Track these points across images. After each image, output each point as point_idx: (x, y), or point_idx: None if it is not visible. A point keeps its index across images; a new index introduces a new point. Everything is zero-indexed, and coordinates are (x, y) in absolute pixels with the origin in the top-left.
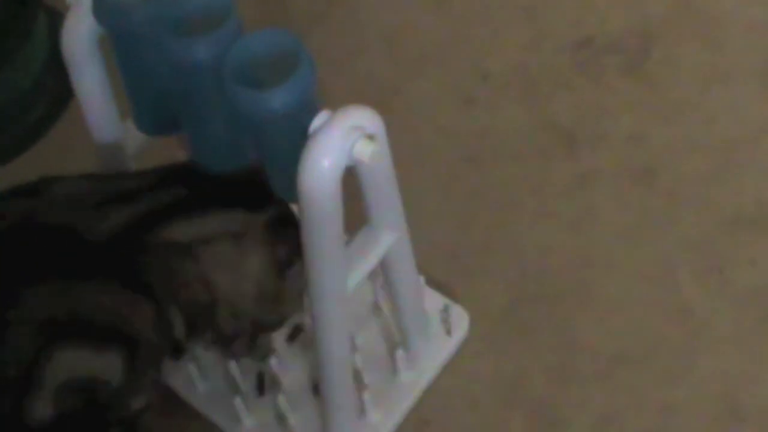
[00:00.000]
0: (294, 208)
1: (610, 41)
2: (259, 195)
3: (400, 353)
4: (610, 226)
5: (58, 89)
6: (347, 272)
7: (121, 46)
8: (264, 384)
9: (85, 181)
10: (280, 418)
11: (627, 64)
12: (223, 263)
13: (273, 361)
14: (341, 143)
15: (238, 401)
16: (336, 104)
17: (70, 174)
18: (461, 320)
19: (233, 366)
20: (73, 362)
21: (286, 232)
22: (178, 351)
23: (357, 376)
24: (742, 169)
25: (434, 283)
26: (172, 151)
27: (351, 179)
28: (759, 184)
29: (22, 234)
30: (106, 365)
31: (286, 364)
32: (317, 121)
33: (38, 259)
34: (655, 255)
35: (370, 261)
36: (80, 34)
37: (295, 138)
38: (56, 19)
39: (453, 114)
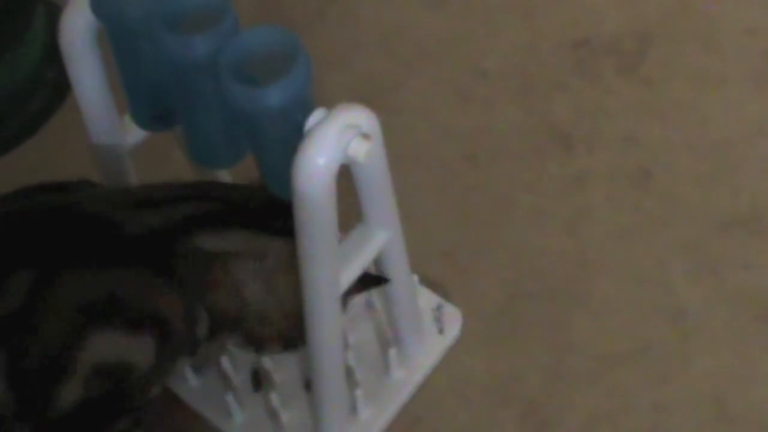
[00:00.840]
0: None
1: (607, 42)
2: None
3: (392, 351)
4: (604, 226)
5: (56, 81)
6: (340, 270)
7: (118, 41)
8: (260, 380)
9: (118, 190)
10: (272, 415)
11: (623, 64)
12: (252, 276)
13: (265, 358)
14: (336, 141)
15: (230, 397)
16: (333, 102)
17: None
18: (454, 319)
19: (225, 362)
20: (108, 344)
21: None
22: (195, 348)
23: (349, 374)
24: (737, 170)
25: (428, 282)
26: (168, 146)
27: (346, 177)
28: (754, 186)
29: (65, 219)
30: (139, 348)
31: (279, 361)
32: (313, 119)
33: (78, 244)
34: (649, 255)
35: (363, 259)
36: (78, 28)
37: (291, 135)
38: (54, 11)
39: (450, 112)
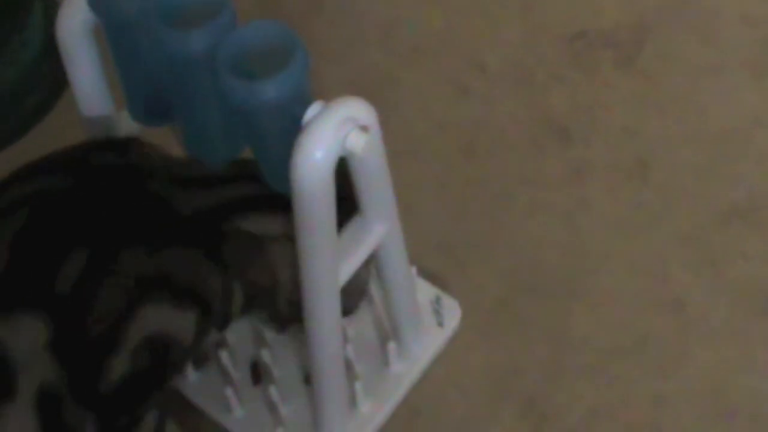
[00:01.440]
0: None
1: (604, 34)
2: None
3: (391, 344)
4: (603, 218)
5: (53, 77)
6: (339, 263)
7: (115, 36)
8: (259, 373)
9: (165, 159)
10: (272, 409)
11: (621, 57)
12: (287, 260)
13: (264, 352)
14: (334, 134)
15: (229, 391)
16: (331, 95)
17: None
18: (453, 312)
19: (225, 356)
20: (156, 318)
21: None
22: (226, 323)
23: (349, 367)
24: (736, 161)
25: (427, 275)
26: (167, 142)
27: None
28: (752, 177)
29: (121, 197)
30: (182, 324)
31: (278, 355)
32: (310, 112)
33: (133, 223)
34: (647, 248)
35: (361, 252)
36: (75, 24)
37: (289, 129)
38: (52, 7)
39: (448, 106)
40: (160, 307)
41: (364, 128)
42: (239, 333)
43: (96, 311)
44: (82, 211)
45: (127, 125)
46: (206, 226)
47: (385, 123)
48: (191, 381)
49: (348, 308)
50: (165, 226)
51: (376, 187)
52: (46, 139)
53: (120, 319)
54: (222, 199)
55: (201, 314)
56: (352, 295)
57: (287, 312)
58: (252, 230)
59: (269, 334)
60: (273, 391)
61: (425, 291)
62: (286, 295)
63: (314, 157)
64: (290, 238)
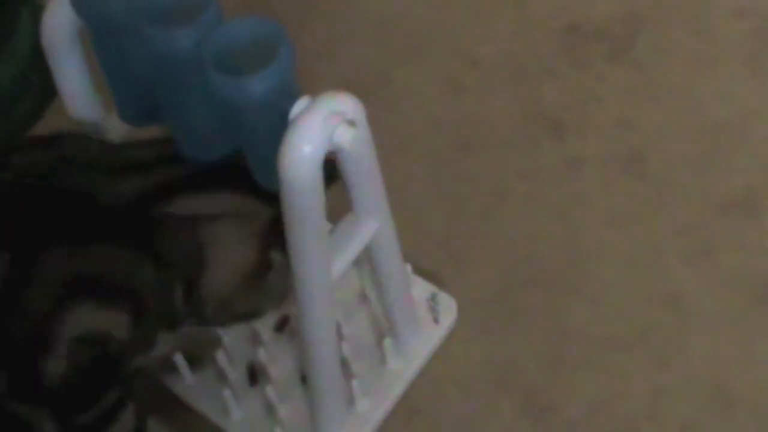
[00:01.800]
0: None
1: (597, 28)
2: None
3: (388, 342)
4: (598, 211)
5: (42, 85)
6: (330, 260)
7: (101, 37)
8: (255, 374)
9: (101, 146)
10: (269, 409)
11: (614, 50)
12: (219, 240)
13: (261, 352)
14: (322, 129)
15: (227, 393)
16: (323, 92)
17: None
18: (449, 308)
19: (221, 358)
20: (86, 317)
21: (282, 234)
22: (175, 321)
23: (345, 365)
24: (731, 153)
25: (422, 271)
26: None
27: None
28: (747, 169)
29: (43, 195)
30: (115, 321)
31: (274, 355)
32: (297, 107)
33: (56, 222)
34: (644, 240)
35: (353, 249)
36: (60, 25)
37: (276, 124)
38: (40, 14)
39: (441, 101)
40: (88, 308)
41: (351, 122)
42: (235, 333)
43: (22, 314)
44: (2, 214)
45: (116, 126)
46: (134, 216)
47: (379, 120)
48: (188, 383)
49: (255, 310)
50: (89, 222)
51: (366, 182)
52: None
53: (48, 321)
54: (151, 184)
55: (135, 309)
56: (272, 295)
57: (204, 294)
58: (185, 211)
59: (265, 334)
60: (270, 391)
61: (421, 288)
62: (210, 286)
63: (302, 151)
64: (238, 218)
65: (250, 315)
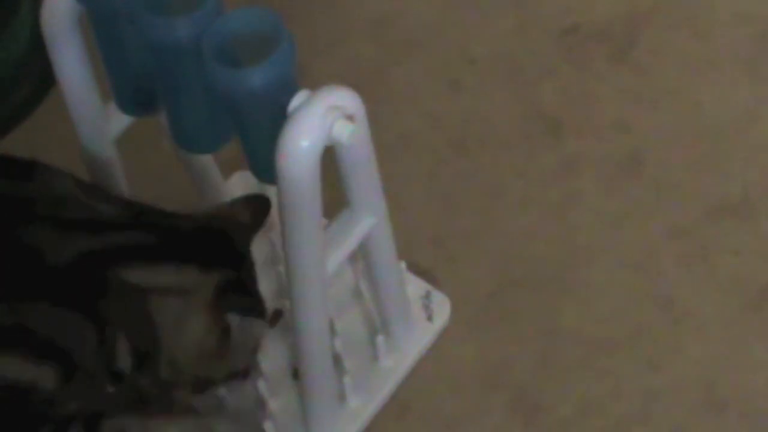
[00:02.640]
0: (273, 190)
1: (597, 28)
2: (221, 250)
3: (380, 339)
4: (595, 212)
5: (42, 71)
6: (326, 255)
7: (101, 25)
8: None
9: (74, 187)
10: (261, 403)
11: (614, 51)
12: (170, 316)
13: None
14: (320, 123)
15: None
16: (322, 86)
17: (63, 171)
18: (443, 306)
19: None
20: (9, 367)
21: (233, 298)
22: (119, 381)
23: (337, 361)
24: (728, 156)
25: (417, 269)
26: (157, 135)
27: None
28: (745, 172)
29: None
30: (40, 376)
31: (266, 349)
32: (296, 101)
33: (2, 275)
34: (639, 242)
35: (348, 244)
36: (60, 13)
37: (274, 117)
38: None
39: (438, 100)
40: (13, 359)
41: (350, 117)
42: None
43: None
44: None
45: (115, 117)
46: (82, 277)
47: (375, 116)
48: None
49: (229, 372)
50: (30, 280)
51: (363, 178)
52: (35, 132)
53: None
54: (107, 245)
55: (63, 368)
56: (241, 353)
57: (170, 377)
58: (135, 281)
59: None
60: (262, 385)
61: (415, 286)
62: (169, 358)
63: (300, 145)
64: (183, 292)
65: (226, 378)
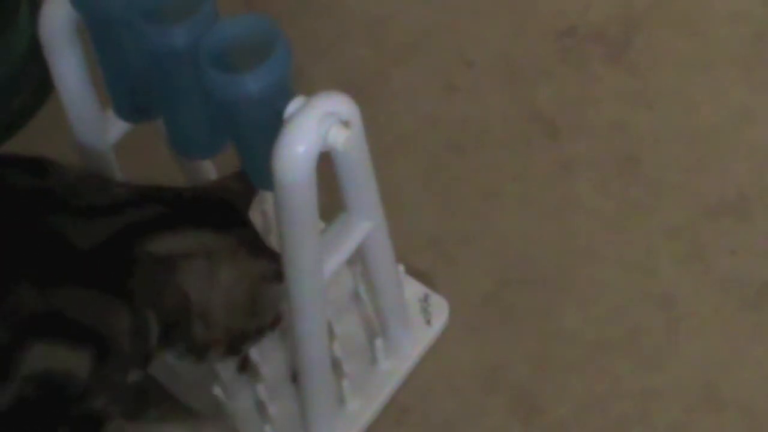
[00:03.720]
0: (270, 195)
1: (593, 30)
2: (227, 214)
3: (379, 342)
4: (592, 213)
5: (40, 78)
6: (323, 259)
7: (98, 32)
8: (247, 363)
9: (84, 180)
10: (260, 407)
11: (610, 52)
12: (197, 276)
13: (253, 350)
14: (316, 129)
15: (218, 390)
16: (318, 91)
17: (73, 166)
18: (441, 309)
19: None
20: (47, 356)
21: (254, 248)
22: (148, 359)
23: (336, 365)
24: (724, 157)
25: (415, 272)
26: (154, 140)
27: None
28: (740, 172)
29: (19, 231)
30: (76, 362)
31: (265, 353)
32: (292, 107)
33: (30, 259)
34: (636, 242)
35: (346, 249)
36: (58, 20)
37: (270, 123)
38: (38, 7)
39: (436, 102)
40: (50, 347)
41: (345, 123)
42: None
43: None
44: None
45: (113, 124)
46: (107, 259)
47: (373, 119)
48: (181, 380)
49: (264, 322)
50: (60, 263)
51: (359, 182)
52: (33, 139)
53: (7, 353)
54: (126, 223)
55: (98, 352)
56: (268, 305)
57: (204, 337)
58: (159, 251)
59: None
60: (261, 389)
61: (413, 289)
62: (202, 317)
63: (296, 151)
64: (201, 252)
65: (257, 331)
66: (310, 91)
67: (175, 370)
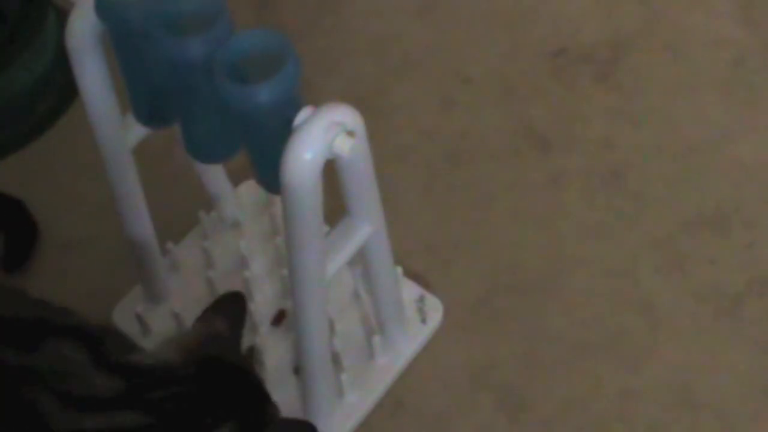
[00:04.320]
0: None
1: (583, 51)
2: (231, 388)
3: (377, 339)
4: (578, 223)
5: (65, 84)
6: (326, 260)
7: (121, 43)
8: (252, 356)
9: (77, 352)
10: None
11: (599, 73)
12: None
13: (257, 342)
14: (322, 137)
15: None
16: (325, 103)
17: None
18: (436, 310)
19: None
20: None
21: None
22: None
23: (336, 359)
24: (704, 173)
25: (412, 274)
26: (169, 145)
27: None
28: (720, 188)
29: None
30: None
31: (270, 347)
32: (301, 116)
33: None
34: (620, 251)
35: (347, 250)
36: (83, 30)
37: (280, 131)
38: (64, 17)
39: (434, 116)
40: None
41: (350, 133)
42: None
43: None
44: None
45: (132, 128)
46: None
47: (375, 131)
48: None
49: None
50: None
51: (362, 189)
52: (58, 142)
53: None
54: (106, 427)
55: None
56: None
57: None
58: None
59: (262, 327)
60: (264, 379)
61: (410, 290)
62: None
63: (303, 158)
64: None
65: None
66: (317, 102)
67: None
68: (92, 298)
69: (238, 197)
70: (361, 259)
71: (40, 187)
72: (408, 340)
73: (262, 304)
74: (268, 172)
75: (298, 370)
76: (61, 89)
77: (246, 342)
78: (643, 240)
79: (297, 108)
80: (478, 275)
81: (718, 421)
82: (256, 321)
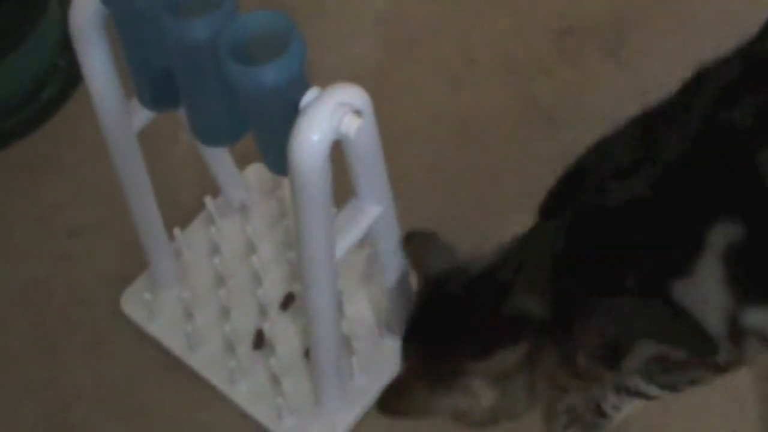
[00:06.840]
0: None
1: (588, 29)
2: None
3: (386, 321)
4: None
5: (69, 70)
6: (335, 241)
7: (125, 26)
8: (262, 340)
9: None
10: (274, 382)
11: (604, 50)
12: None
13: (267, 327)
14: (329, 118)
15: (233, 364)
16: (331, 83)
17: None
18: None
19: (228, 330)
20: None
21: None
22: None
23: (346, 342)
24: None
25: None
26: (174, 128)
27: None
28: None
29: None
30: None
31: (279, 331)
32: (307, 97)
33: None
34: None
35: (356, 231)
36: (87, 15)
37: (287, 113)
38: (67, 3)
39: (441, 96)
40: None
41: (357, 113)
42: (242, 308)
43: None
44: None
45: (137, 111)
46: None
47: (381, 112)
48: (198, 354)
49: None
50: None
51: (370, 169)
52: (63, 128)
53: None
54: None
55: None
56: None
57: None
58: None
59: (273, 310)
60: (275, 364)
61: None
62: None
63: (311, 139)
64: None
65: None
66: (323, 83)
67: (192, 345)
68: (100, 284)
69: (244, 181)
70: (369, 241)
71: (46, 174)
72: None
73: (270, 288)
74: (276, 154)
75: (308, 353)
76: (65, 75)
77: (254, 326)
78: None
79: (303, 89)
80: None
81: None
82: (264, 305)
